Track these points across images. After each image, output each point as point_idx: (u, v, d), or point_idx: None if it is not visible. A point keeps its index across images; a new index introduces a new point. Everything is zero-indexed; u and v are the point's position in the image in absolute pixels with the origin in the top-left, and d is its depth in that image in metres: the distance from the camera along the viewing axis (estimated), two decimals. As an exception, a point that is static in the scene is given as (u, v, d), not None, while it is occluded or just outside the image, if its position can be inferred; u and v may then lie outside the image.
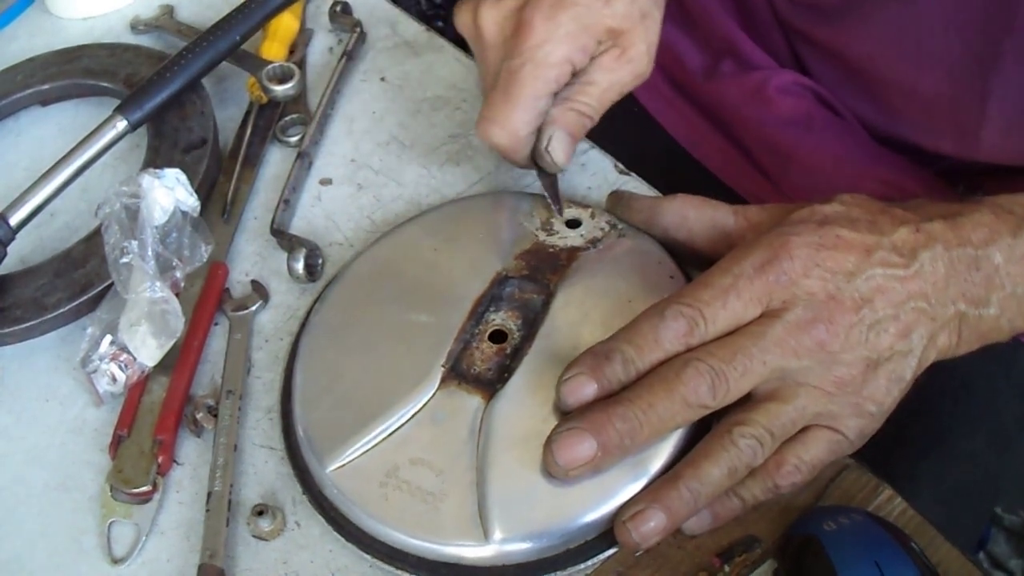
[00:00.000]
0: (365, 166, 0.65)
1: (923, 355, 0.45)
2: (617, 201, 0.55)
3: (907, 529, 0.46)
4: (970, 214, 0.46)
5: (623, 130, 0.69)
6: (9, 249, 0.58)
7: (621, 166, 0.63)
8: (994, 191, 0.49)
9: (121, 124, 0.61)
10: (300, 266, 0.58)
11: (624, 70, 0.55)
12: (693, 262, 0.53)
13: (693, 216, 0.52)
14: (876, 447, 0.46)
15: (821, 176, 0.72)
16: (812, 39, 0.72)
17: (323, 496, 0.48)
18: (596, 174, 0.62)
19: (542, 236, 0.55)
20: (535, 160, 0.56)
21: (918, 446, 0.65)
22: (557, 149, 0.55)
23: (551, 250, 0.54)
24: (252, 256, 0.62)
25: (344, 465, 0.48)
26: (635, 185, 0.61)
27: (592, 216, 0.56)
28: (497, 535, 0.45)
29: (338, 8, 0.74)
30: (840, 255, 0.44)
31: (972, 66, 0.61)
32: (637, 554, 0.46)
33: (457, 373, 0.50)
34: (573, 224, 0.56)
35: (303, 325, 0.55)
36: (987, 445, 0.68)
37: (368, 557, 0.47)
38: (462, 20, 0.58)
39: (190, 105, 0.65)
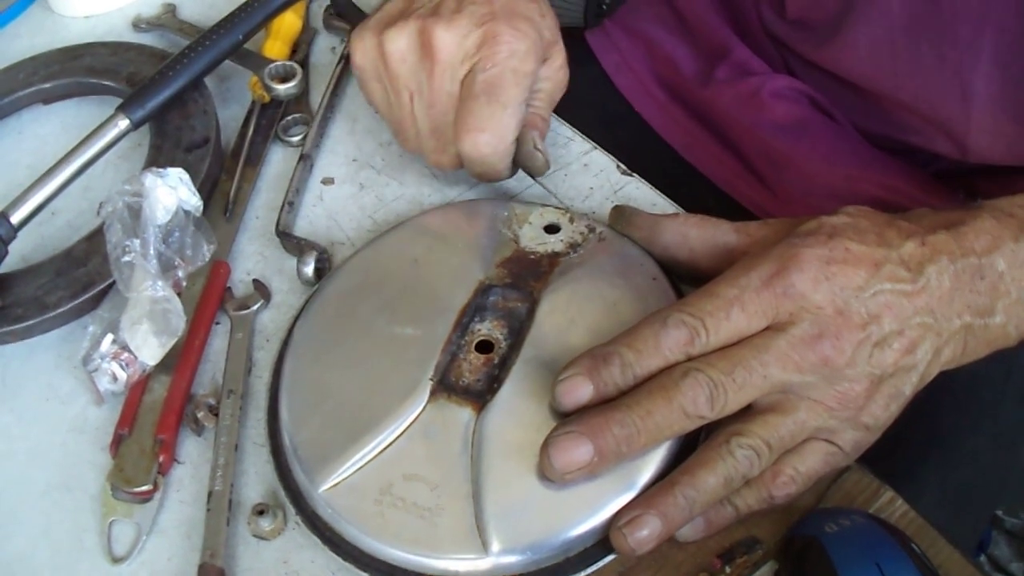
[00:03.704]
0: (367, 166, 0.65)
1: (926, 370, 0.45)
2: (619, 216, 0.55)
3: (908, 531, 0.46)
4: (972, 222, 0.46)
5: (619, 137, 0.69)
6: (11, 247, 0.58)
7: (623, 167, 0.63)
8: (993, 192, 0.48)
9: (123, 123, 0.61)
10: (310, 270, 0.57)
11: (557, 77, 0.59)
12: (696, 281, 0.52)
13: (694, 235, 0.51)
14: (877, 449, 0.46)
15: (817, 180, 0.72)
16: (799, 53, 0.72)
17: (317, 517, 0.48)
18: (599, 175, 0.62)
19: (523, 243, 0.55)
20: (521, 165, 0.58)
21: (920, 448, 0.65)
22: (542, 150, 0.57)
23: (532, 257, 0.54)
24: (254, 255, 0.61)
25: (337, 485, 0.47)
26: (637, 186, 0.61)
27: (571, 220, 0.55)
28: (496, 547, 0.44)
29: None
30: (850, 269, 0.44)
31: (949, 72, 0.61)
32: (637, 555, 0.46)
33: (446, 386, 0.49)
34: (552, 229, 0.55)
35: (285, 343, 0.54)
36: (989, 447, 0.68)
37: None
38: (393, 47, 0.56)
39: (192, 104, 0.65)
